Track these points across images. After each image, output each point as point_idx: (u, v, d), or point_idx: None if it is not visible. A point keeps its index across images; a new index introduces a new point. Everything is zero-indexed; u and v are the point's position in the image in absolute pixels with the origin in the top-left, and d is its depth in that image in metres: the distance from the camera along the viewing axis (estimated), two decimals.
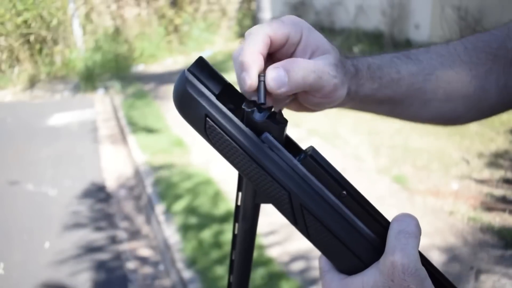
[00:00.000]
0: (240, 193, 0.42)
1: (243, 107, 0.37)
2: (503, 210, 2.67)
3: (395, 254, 0.34)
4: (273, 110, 0.38)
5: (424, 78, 0.53)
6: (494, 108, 0.59)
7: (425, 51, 0.56)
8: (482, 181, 3.01)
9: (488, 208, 2.73)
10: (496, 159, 3.25)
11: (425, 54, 0.55)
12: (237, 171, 0.39)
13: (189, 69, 0.38)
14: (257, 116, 0.36)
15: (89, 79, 7.51)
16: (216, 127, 0.37)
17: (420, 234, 0.36)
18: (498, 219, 2.62)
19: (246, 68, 0.37)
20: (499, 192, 2.87)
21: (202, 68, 0.38)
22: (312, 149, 0.37)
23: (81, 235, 3.10)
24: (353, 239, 0.37)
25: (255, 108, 0.37)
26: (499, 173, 3.06)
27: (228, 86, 0.39)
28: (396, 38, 6.30)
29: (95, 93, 7.10)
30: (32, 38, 8.07)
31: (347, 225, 0.37)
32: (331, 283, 0.38)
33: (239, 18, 10.22)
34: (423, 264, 0.35)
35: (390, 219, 0.38)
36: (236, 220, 0.44)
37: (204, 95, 0.37)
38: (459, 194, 2.94)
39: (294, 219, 0.38)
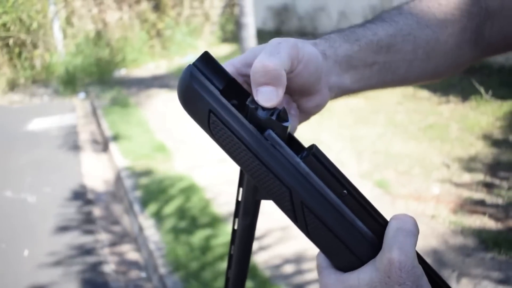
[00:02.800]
0: (241, 189, 0.43)
1: (247, 103, 0.37)
2: (483, 214, 2.71)
3: (393, 251, 0.34)
4: (277, 107, 0.38)
5: (402, 39, 0.53)
6: (468, 62, 0.61)
7: (398, 12, 0.56)
8: (462, 185, 3.06)
9: (469, 212, 2.77)
10: (476, 164, 3.31)
11: (399, 15, 0.55)
12: (238, 167, 0.39)
13: (194, 63, 0.38)
14: (261, 113, 0.37)
15: (70, 84, 7.41)
16: (220, 122, 0.37)
17: (418, 233, 0.36)
18: (478, 222, 2.66)
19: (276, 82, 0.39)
20: (479, 195, 2.91)
21: (207, 62, 0.38)
22: (315, 147, 0.37)
23: (61, 242, 3.04)
24: (352, 238, 0.37)
25: (260, 105, 0.37)
26: (478, 177, 3.11)
27: (233, 82, 0.39)
28: None
29: (75, 97, 7.00)
30: (11, 41, 7.92)
31: (347, 224, 0.37)
32: (328, 280, 0.39)
33: (222, 23, 10.22)
34: (419, 263, 0.36)
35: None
36: (236, 215, 0.45)
37: (209, 90, 0.37)
38: (440, 198, 2.97)
39: (295, 217, 0.38)
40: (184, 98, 0.38)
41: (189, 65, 0.38)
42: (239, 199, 0.43)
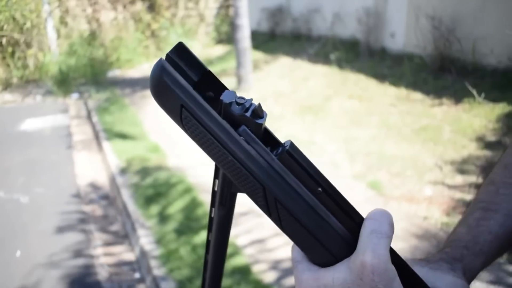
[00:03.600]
0: (216, 180, 0.43)
1: (221, 98, 0.36)
2: None
3: (366, 254, 0.34)
4: (252, 102, 0.37)
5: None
6: None
7: (494, 190, 0.58)
8: (455, 187, 3.08)
9: (461, 214, 2.79)
10: (469, 166, 3.33)
11: (495, 194, 0.57)
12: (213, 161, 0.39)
13: (167, 55, 0.36)
14: (235, 108, 0.36)
15: (63, 84, 7.38)
16: (192, 118, 0.36)
17: (392, 233, 0.36)
18: None
19: None
20: (470, 197, 2.93)
21: (181, 53, 0.37)
22: (290, 143, 0.37)
23: (54, 243, 3.03)
24: (326, 235, 0.37)
25: (234, 100, 0.36)
26: (471, 179, 3.14)
27: (208, 74, 0.38)
28: (372, 46, 6.41)
29: (69, 97, 6.97)
30: (4, 40, 7.88)
31: (321, 221, 0.37)
32: (303, 274, 0.39)
33: (216, 24, 10.22)
34: (394, 262, 0.36)
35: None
36: (212, 205, 0.45)
37: (180, 84, 0.35)
38: (433, 199, 2.99)
39: (268, 211, 0.37)
40: (155, 91, 0.36)
41: (161, 58, 0.36)
42: (215, 189, 0.43)
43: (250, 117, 0.36)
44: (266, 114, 0.37)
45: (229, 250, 2.42)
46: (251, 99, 0.37)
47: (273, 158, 0.36)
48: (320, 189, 0.37)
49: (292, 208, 0.36)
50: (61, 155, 4.60)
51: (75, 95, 7.00)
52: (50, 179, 4.03)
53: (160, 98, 0.36)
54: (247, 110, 0.36)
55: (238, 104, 0.36)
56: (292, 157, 0.36)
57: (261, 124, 0.36)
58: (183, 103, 0.35)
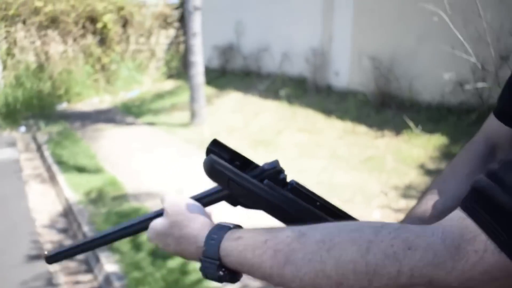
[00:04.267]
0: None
1: (263, 166, 0.66)
2: None
3: None
4: (280, 167, 0.66)
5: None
6: None
7: (442, 181, 0.79)
8: (399, 210, 3.38)
9: None
10: (410, 191, 3.66)
11: (443, 183, 0.78)
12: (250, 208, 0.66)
13: (208, 147, 0.65)
14: (282, 175, 0.66)
15: (9, 116, 7.19)
16: (236, 185, 0.62)
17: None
18: None
19: None
20: None
21: (216, 144, 0.67)
22: (295, 182, 0.66)
23: (9, 279, 2.96)
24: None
25: (275, 166, 0.65)
26: (413, 203, 3.43)
27: (235, 152, 0.67)
28: (318, 83, 6.82)
29: (16, 131, 6.79)
30: None
31: (320, 220, 0.61)
32: None
33: (167, 59, 10.40)
34: None
35: None
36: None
37: (227, 167, 0.62)
38: None
39: (285, 223, 0.64)
40: (210, 174, 0.62)
41: (210, 155, 0.63)
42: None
43: (278, 176, 0.66)
44: (286, 174, 0.67)
45: None
46: (278, 163, 0.67)
47: (287, 193, 0.64)
48: (318, 203, 0.66)
49: (302, 219, 0.63)
50: (12, 189, 4.48)
51: (22, 128, 6.84)
52: (2, 213, 3.92)
53: (213, 177, 0.63)
54: (278, 172, 0.66)
55: (280, 172, 0.66)
56: (297, 189, 0.65)
57: (283, 178, 0.66)
58: (230, 178, 0.63)
